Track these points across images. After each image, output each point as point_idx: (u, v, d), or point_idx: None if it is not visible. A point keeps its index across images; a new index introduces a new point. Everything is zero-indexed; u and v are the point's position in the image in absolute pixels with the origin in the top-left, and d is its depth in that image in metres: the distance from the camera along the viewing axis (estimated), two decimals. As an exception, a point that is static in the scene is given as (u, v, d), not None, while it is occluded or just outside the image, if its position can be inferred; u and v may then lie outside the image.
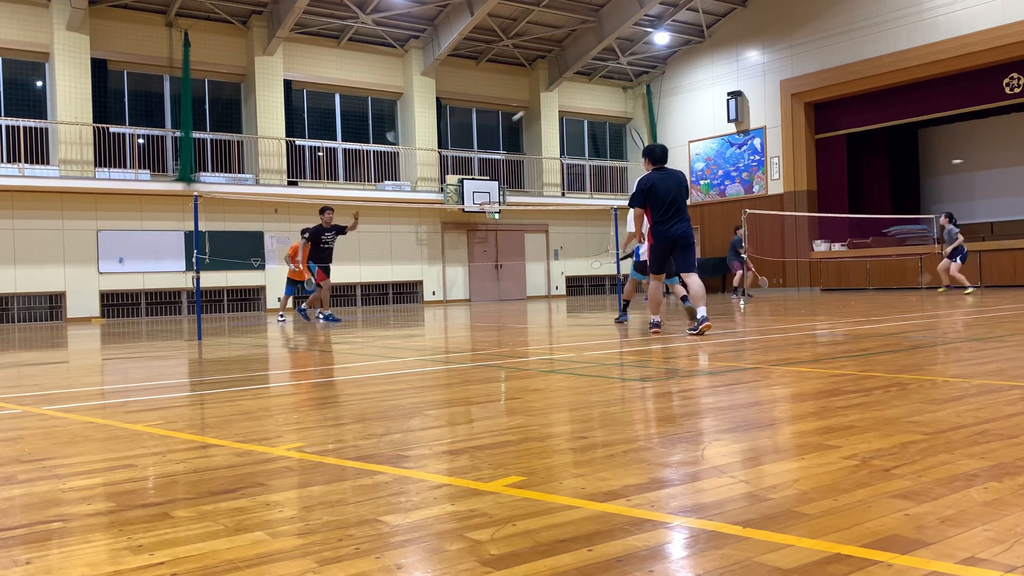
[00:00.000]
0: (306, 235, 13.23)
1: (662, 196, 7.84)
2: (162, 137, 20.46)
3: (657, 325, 8.17)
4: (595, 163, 27.66)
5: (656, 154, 8.04)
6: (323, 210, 13.23)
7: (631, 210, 8.30)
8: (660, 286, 8.29)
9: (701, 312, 7.80)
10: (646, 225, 8.35)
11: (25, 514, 2.25)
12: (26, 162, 18.32)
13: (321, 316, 13.49)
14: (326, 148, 22.68)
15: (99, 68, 19.38)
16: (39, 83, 19.21)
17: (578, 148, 27.74)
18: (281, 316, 14.67)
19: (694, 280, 7.93)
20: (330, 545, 1.89)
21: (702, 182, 26.53)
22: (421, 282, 23.36)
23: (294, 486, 2.51)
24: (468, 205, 22.23)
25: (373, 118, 23.73)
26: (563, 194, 26.17)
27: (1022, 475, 2.33)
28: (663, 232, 7.89)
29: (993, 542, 1.77)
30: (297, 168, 21.90)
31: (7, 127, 18.41)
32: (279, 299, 14.87)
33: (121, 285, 19.30)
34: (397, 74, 23.65)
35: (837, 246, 22.66)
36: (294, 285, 14.76)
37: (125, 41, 19.80)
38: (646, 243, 8.33)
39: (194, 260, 10.64)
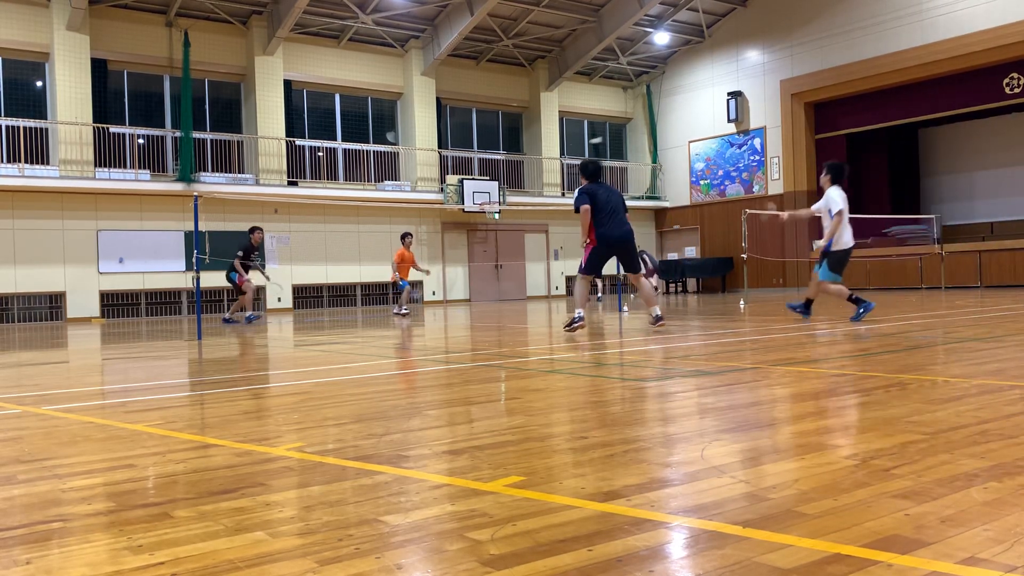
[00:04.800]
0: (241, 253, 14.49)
1: (603, 203, 8.61)
2: (162, 137, 20.47)
3: (580, 319, 8.63)
4: (595, 163, 27.64)
5: (589, 170, 8.86)
6: (253, 230, 14.53)
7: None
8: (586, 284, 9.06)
9: (655, 311, 8.85)
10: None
11: (25, 514, 2.25)
12: (26, 162, 18.32)
13: (249, 316, 14.56)
14: (326, 148, 22.68)
15: (99, 68, 19.38)
16: (39, 83, 19.21)
17: (578, 148, 27.73)
18: (405, 310, 15.68)
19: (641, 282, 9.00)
20: (330, 545, 1.89)
21: (702, 182, 26.54)
22: (421, 282, 23.35)
23: (294, 486, 2.51)
24: (468, 205, 22.23)
25: (373, 118, 23.74)
26: (563, 194, 26.16)
27: (1022, 475, 2.33)
28: (603, 235, 8.62)
29: (993, 542, 1.77)
30: (297, 168, 21.90)
31: (7, 127, 18.41)
32: (398, 300, 16.38)
33: (121, 285, 19.30)
34: (397, 74, 23.65)
35: (837, 246, 22.62)
36: (406, 281, 15.96)
37: (125, 41, 19.80)
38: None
39: (194, 260, 10.65)
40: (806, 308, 9.61)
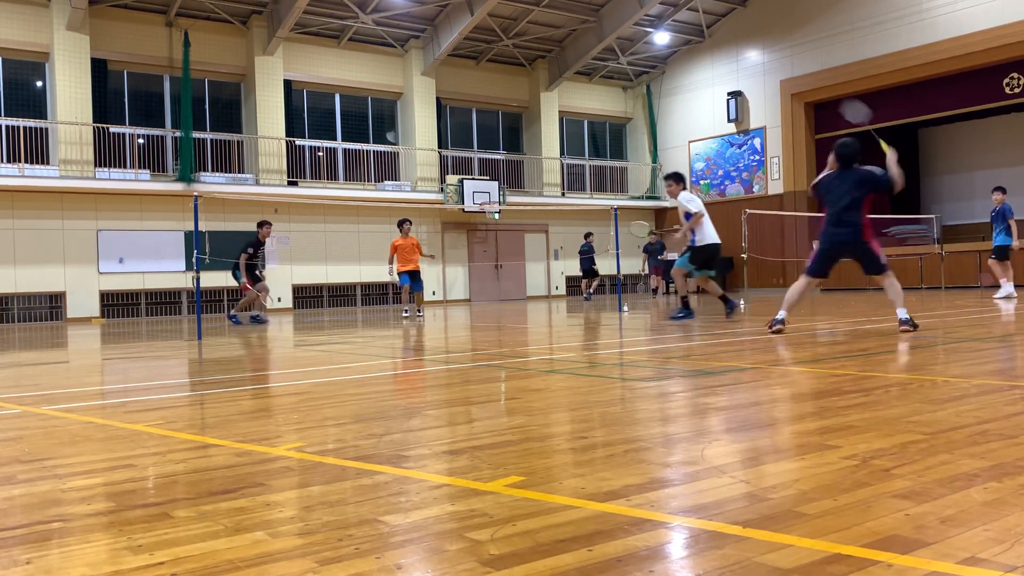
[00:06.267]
0: (249, 250, 14.08)
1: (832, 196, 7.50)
2: (162, 137, 20.46)
3: (780, 323, 7.57)
4: (595, 163, 27.67)
5: (840, 154, 7.54)
6: (262, 224, 14.12)
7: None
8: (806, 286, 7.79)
9: (901, 313, 7.38)
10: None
11: (25, 514, 2.25)
12: (26, 162, 18.32)
13: (251, 318, 14.19)
14: (326, 148, 22.68)
15: (99, 68, 19.38)
16: (39, 83, 19.21)
17: (578, 148, 27.73)
18: (406, 311, 15.01)
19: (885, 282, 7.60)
20: (330, 545, 1.89)
21: (702, 182, 26.54)
22: (421, 282, 23.33)
23: (294, 486, 2.51)
24: (468, 205, 22.23)
25: (373, 118, 23.73)
26: (563, 194, 26.17)
27: (1022, 475, 2.33)
28: (823, 233, 7.59)
29: (993, 542, 1.77)
30: (297, 168, 21.89)
31: (7, 127, 18.41)
32: (406, 300, 15.29)
33: (121, 285, 19.30)
34: (397, 74, 23.65)
35: (837, 246, 22.61)
36: (409, 275, 14.81)
37: (125, 41, 19.80)
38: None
39: (194, 260, 10.65)
40: (686, 309, 10.11)
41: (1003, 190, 14.17)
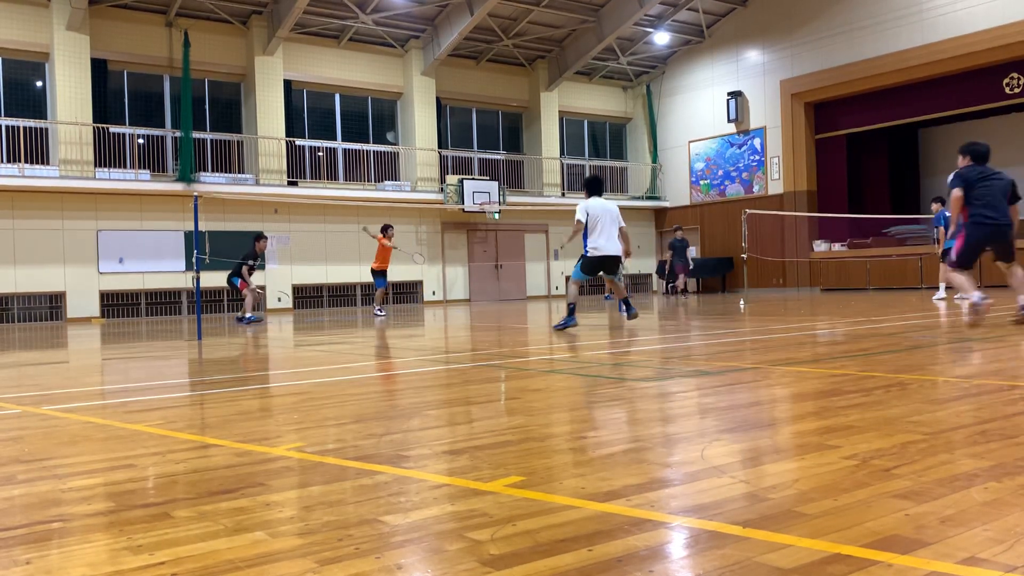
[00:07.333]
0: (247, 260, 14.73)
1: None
2: (162, 137, 20.46)
3: (984, 300, 7.42)
4: (595, 163, 27.66)
5: (980, 152, 8.04)
6: (259, 237, 14.83)
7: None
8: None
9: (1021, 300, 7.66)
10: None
11: (25, 514, 2.25)
12: (26, 162, 18.31)
13: (249, 318, 14.54)
14: (326, 148, 22.67)
15: (99, 68, 19.38)
16: (39, 83, 19.20)
17: (578, 148, 27.73)
18: (379, 310, 15.65)
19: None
20: (330, 545, 1.89)
21: (702, 182, 26.55)
22: (421, 282, 23.36)
23: (294, 486, 2.51)
24: (468, 205, 22.23)
25: (373, 118, 23.73)
26: (563, 194, 26.16)
27: (1022, 475, 2.33)
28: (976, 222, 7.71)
29: (993, 542, 1.77)
30: (297, 168, 21.89)
31: (7, 127, 18.41)
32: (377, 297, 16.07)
33: (121, 285, 19.30)
34: (397, 74, 23.65)
35: (837, 246, 22.67)
36: (382, 277, 15.70)
37: (125, 41, 19.80)
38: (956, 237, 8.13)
39: (194, 260, 10.65)
40: (627, 306, 10.24)
41: (941, 200, 14.44)
